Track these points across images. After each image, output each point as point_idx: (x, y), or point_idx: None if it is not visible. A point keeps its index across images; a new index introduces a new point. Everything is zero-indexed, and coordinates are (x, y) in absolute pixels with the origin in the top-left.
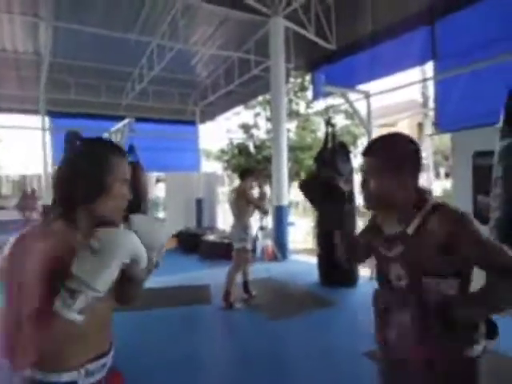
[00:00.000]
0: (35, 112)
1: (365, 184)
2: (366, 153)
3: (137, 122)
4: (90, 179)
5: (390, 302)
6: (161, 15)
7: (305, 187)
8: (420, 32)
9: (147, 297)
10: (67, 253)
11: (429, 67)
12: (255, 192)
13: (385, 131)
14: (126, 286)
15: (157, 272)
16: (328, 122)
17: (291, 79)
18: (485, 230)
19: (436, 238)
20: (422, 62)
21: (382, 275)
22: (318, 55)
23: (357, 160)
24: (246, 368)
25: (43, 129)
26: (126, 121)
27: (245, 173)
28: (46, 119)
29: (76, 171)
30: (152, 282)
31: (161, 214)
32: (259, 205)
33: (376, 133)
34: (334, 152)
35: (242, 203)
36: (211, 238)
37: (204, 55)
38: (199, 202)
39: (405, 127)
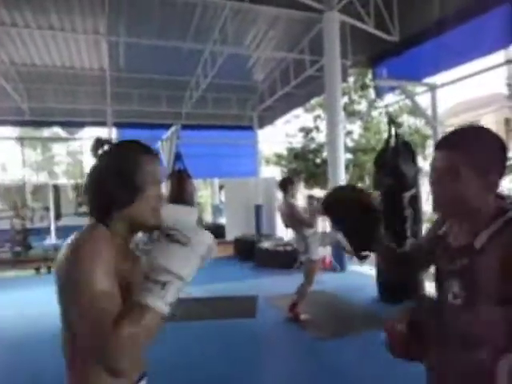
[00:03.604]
0: (103, 124)
1: (437, 185)
2: (443, 146)
3: (196, 129)
4: (121, 183)
5: (440, 323)
6: (211, 21)
7: (330, 208)
8: (498, 12)
9: (186, 307)
10: (116, 255)
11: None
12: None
13: None
14: None
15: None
16: (390, 120)
17: (351, 78)
18: None
19: (507, 256)
20: (501, 46)
21: (438, 291)
22: (378, 49)
23: (426, 162)
24: None
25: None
26: (173, 128)
27: (284, 184)
28: (113, 130)
29: (107, 177)
30: (197, 291)
31: (222, 220)
32: (307, 223)
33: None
34: (396, 153)
35: (293, 217)
36: (266, 245)
37: (258, 59)
38: (258, 209)
39: (490, 124)
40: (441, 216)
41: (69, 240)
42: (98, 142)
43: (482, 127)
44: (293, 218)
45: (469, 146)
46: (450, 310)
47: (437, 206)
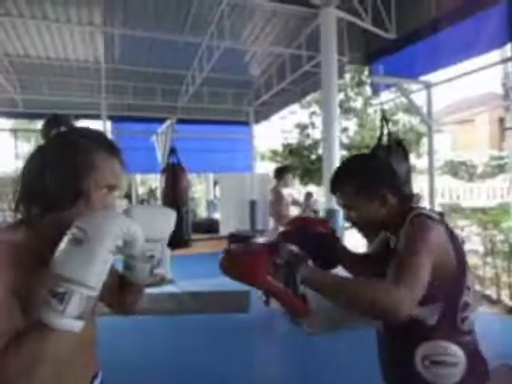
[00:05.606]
0: (98, 117)
1: (351, 218)
2: (334, 190)
3: (191, 123)
4: (61, 180)
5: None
6: (208, 15)
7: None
8: (495, 11)
9: (178, 301)
10: (25, 266)
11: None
12: (289, 192)
13: (462, 128)
14: (127, 286)
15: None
16: (383, 117)
17: (347, 75)
18: None
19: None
20: (497, 45)
21: None
22: (375, 46)
23: (421, 160)
24: None
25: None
26: (168, 122)
27: (280, 171)
28: (108, 123)
29: (45, 169)
30: (190, 285)
31: (217, 216)
32: (279, 216)
33: (451, 130)
34: (388, 151)
35: (277, 204)
36: (260, 240)
37: (255, 54)
38: (252, 204)
39: (485, 122)
40: (370, 238)
41: None
42: (54, 121)
43: (358, 156)
44: (272, 207)
45: (353, 184)
46: None
47: (361, 233)
